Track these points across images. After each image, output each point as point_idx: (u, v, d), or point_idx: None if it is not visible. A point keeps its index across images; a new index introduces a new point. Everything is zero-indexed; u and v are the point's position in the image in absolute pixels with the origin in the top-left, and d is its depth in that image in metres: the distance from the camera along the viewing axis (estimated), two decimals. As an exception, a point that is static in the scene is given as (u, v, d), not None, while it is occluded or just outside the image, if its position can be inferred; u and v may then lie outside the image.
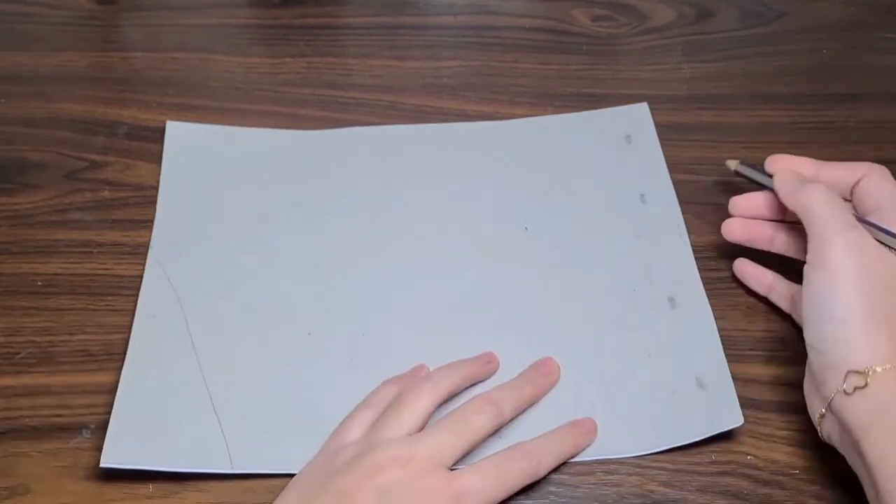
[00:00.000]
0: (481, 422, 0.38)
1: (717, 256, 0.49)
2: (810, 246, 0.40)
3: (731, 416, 0.41)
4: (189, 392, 0.42)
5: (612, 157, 0.53)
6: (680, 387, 0.43)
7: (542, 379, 0.42)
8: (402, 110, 0.57)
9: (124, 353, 0.43)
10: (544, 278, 0.47)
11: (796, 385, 0.44)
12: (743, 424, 0.41)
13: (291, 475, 0.39)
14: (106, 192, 0.51)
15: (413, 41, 0.62)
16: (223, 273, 0.47)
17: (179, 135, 0.54)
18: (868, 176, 0.43)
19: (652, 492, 0.40)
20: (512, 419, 0.40)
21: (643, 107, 0.56)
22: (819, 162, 0.45)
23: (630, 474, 0.41)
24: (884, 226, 0.41)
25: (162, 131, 0.54)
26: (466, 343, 0.44)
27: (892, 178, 0.43)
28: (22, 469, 0.39)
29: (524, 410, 0.41)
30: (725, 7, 0.65)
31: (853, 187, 0.44)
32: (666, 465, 0.41)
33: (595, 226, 0.49)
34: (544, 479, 0.40)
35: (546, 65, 0.60)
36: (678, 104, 0.57)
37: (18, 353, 0.44)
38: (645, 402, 0.42)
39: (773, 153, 0.55)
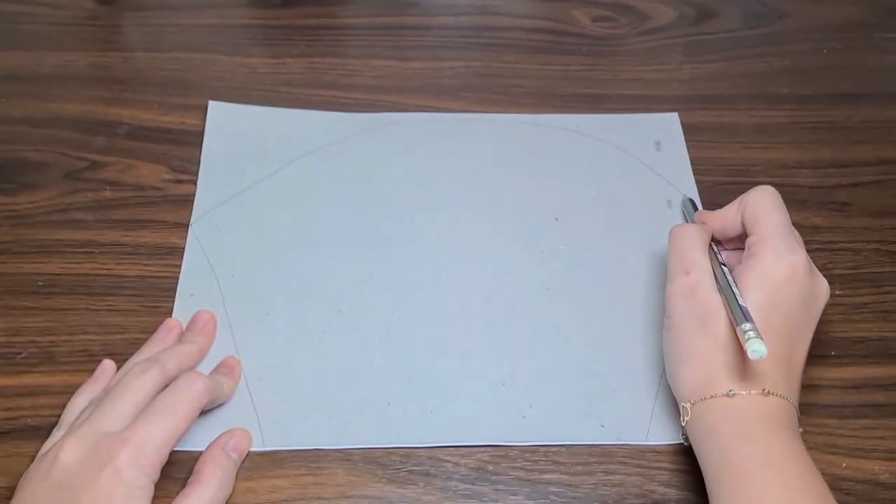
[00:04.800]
0: (145, 381, 0.38)
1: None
2: None
3: None
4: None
5: (642, 161, 0.54)
6: None
7: (198, 335, 0.44)
8: (403, 111, 0.57)
9: (125, 354, 0.43)
10: (572, 268, 0.48)
11: (797, 385, 0.44)
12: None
13: (320, 450, 0.41)
14: (107, 191, 0.51)
15: (415, 42, 0.62)
16: (260, 251, 0.48)
17: (221, 114, 0.55)
18: (745, 198, 0.43)
19: (652, 492, 0.40)
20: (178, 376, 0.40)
21: (674, 116, 0.57)
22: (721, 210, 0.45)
23: (630, 474, 0.41)
24: (716, 248, 0.43)
25: (162, 131, 0.54)
26: (492, 324, 0.46)
27: (769, 196, 0.42)
28: (23, 469, 0.39)
29: (191, 367, 0.42)
30: (726, 7, 0.65)
31: (743, 215, 0.43)
32: (667, 465, 0.41)
33: (623, 225, 0.51)
34: (544, 480, 0.40)
35: (547, 65, 0.60)
36: (679, 105, 0.57)
37: (20, 353, 0.44)
38: (667, 395, 0.43)
39: (774, 153, 0.55)
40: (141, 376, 0.39)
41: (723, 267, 0.41)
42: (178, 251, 0.48)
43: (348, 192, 0.51)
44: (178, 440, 0.37)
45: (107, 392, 0.39)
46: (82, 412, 0.39)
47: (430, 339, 0.45)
